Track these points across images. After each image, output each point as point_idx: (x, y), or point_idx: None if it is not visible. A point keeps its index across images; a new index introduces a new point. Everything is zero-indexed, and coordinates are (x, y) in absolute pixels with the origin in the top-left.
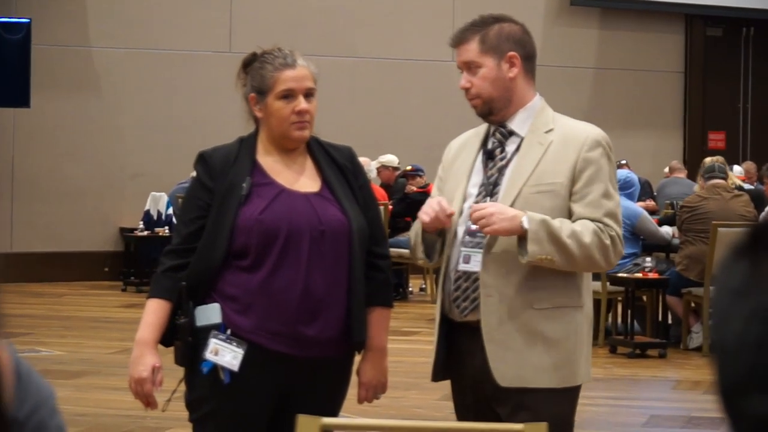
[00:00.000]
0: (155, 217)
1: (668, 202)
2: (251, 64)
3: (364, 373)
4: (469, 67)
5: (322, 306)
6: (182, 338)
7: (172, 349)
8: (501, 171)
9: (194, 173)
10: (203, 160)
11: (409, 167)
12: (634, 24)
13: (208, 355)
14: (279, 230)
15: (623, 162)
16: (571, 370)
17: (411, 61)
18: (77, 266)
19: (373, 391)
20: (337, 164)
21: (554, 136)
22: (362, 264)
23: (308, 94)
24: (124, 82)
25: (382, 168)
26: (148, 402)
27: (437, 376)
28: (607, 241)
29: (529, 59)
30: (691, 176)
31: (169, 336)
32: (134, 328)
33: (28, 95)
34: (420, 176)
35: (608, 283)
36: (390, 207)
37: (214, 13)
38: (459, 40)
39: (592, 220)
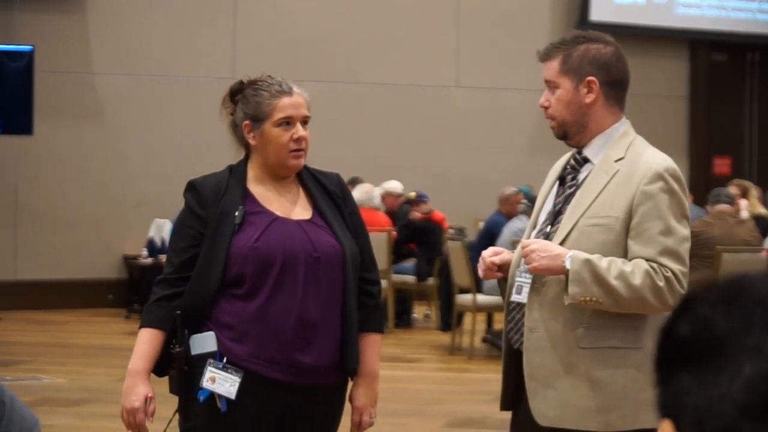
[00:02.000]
0: (159, 245)
1: None
2: (240, 92)
3: (358, 398)
4: (549, 85)
5: (317, 333)
6: (178, 367)
7: (165, 378)
8: (567, 200)
9: (185, 201)
10: (193, 189)
11: (413, 194)
12: (639, 49)
13: (206, 383)
14: (275, 258)
15: None
16: (620, 413)
17: (415, 87)
18: (81, 294)
19: (367, 415)
20: (327, 191)
21: (622, 165)
22: (355, 290)
23: (304, 122)
24: (127, 109)
25: (386, 195)
26: None
27: (506, 405)
28: (661, 283)
29: (612, 85)
30: (697, 202)
31: (162, 365)
32: None
33: (31, 123)
34: (424, 202)
35: None
36: (394, 234)
37: (217, 39)
38: (544, 57)
39: (647, 260)
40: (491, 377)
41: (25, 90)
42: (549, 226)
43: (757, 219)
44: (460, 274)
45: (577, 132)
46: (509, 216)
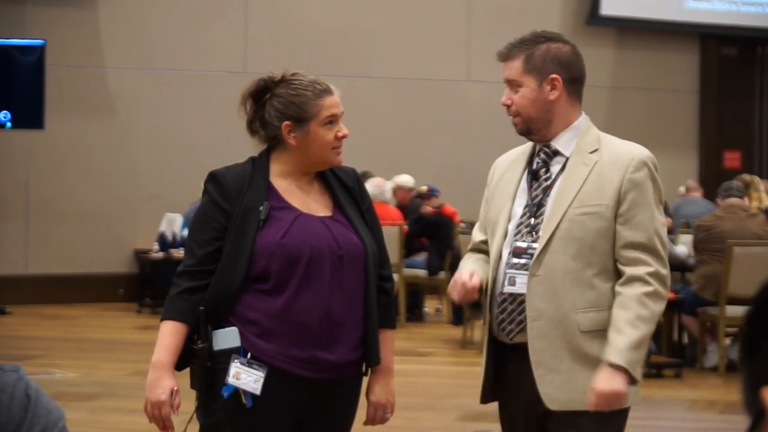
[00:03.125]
0: (170, 239)
1: (684, 221)
2: (267, 91)
3: (374, 393)
4: (512, 84)
5: (341, 330)
6: (201, 363)
7: (185, 371)
8: (546, 191)
9: (205, 192)
10: (217, 181)
11: (424, 188)
12: (649, 44)
13: (231, 379)
14: (301, 254)
15: None
16: None
17: (426, 81)
18: (92, 288)
19: (382, 410)
20: (346, 187)
21: (599, 156)
22: (375, 287)
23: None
24: (138, 103)
25: (398, 188)
26: (165, 426)
27: (486, 397)
28: (651, 288)
29: (573, 81)
30: (708, 195)
31: (181, 359)
32: (149, 350)
33: (42, 117)
34: (435, 196)
35: None
36: (405, 228)
37: (229, 33)
38: (505, 56)
39: (633, 279)
40: None
41: (37, 84)
42: (532, 218)
43: (766, 213)
44: None
45: (542, 127)
46: None
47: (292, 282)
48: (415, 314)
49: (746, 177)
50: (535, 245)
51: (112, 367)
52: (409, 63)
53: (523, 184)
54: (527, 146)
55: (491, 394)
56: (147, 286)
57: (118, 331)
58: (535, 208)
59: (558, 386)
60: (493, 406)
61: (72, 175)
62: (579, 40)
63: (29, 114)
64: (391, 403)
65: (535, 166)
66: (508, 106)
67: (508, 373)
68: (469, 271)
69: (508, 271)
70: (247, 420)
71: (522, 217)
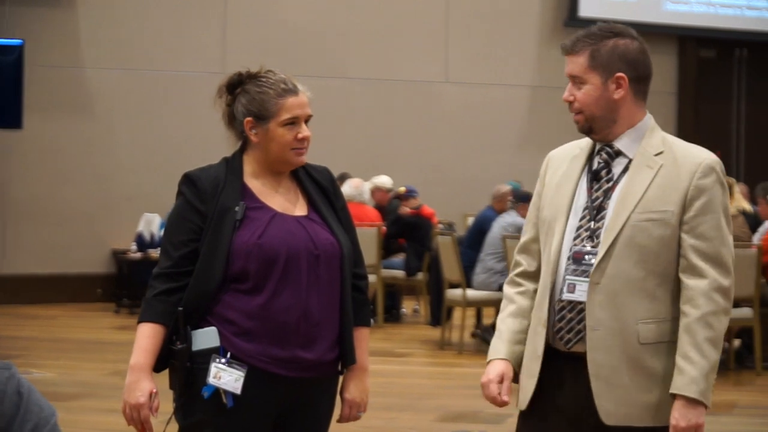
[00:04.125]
0: (148, 239)
1: None
2: (240, 84)
3: (349, 391)
4: (575, 80)
5: (318, 330)
6: (180, 364)
7: (163, 372)
8: (607, 194)
9: (180, 194)
10: (191, 183)
11: (402, 189)
12: None
13: (211, 379)
14: (278, 254)
15: None
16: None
17: (404, 82)
18: (70, 288)
19: (356, 408)
20: (320, 186)
21: (664, 159)
22: (350, 286)
23: (307, 120)
24: (117, 104)
25: (376, 189)
26: (144, 428)
27: (532, 405)
28: (714, 307)
29: (640, 81)
30: None
31: (161, 361)
32: (128, 350)
33: (20, 117)
34: (414, 197)
35: None
36: (384, 229)
37: (208, 34)
38: (569, 50)
39: (696, 295)
40: (481, 372)
41: (15, 84)
42: (591, 222)
43: (745, 215)
44: (449, 269)
45: (604, 127)
46: (500, 212)
47: (270, 282)
48: (393, 315)
49: (731, 180)
50: (595, 251)
51: (91, 368)
52: (388, 64)
53: (583, 184)
54: (585, 142)
55: (536, 402)
56: (125, 286)
57: (97, 331)
58: (596, 211)
59: (616, 401)
60: (472, 407)
61: (50, 175)
62: (557, 41)
63: (7, 114)
64: (365, 401)
65: (596, 165)
66: (570, 103)
67: (558, 381)
68: (499, 374)
69: (567, 277)
70: (228, 420)
71: (582, 220)
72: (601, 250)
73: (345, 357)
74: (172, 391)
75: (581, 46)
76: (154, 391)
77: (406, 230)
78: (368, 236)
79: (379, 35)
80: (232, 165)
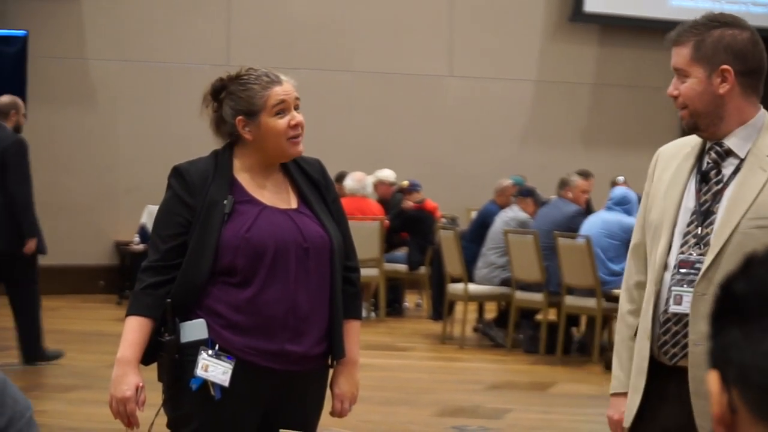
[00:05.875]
0: (150, 231)
1: None
2: (223, 89)
3: (339, 385)
4: (679, 73)
5: (307, 323)
6: (169, 356)
7: (152, 364)
8: (716, 197)
9: (169, 187)
10: (180, 175)
11: (405, 182)
12: (633, 41)
13: (199, 371)
14: (266, 248)
15: (621, 179)
16: None
17: (408, 76)
18: (72, 279)
19: (347, 402)
20: (310, 179)
21: None
22: (340, 280)
23: (297, 107)
24: (120, 95)
25: (379, 183)
26: (130, 422)
27: (636, 423)
28: None
29: (749, 74)
30: None
31: (147, 354)
32: None
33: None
34: (417, 191)
35: (604, 300)
36: (386, 222)
37: (212, 26)
38: (674, 41)
39: None
40: (482, 366)
41: (19, 75)
42: (699, 228)
43: None
44: (452, 264)
45: (710, 124)
46: (503, 206)
47: (258, 275)
48: (395, 309)
49: None
50: (702, 259)
51: (92, 359)
52: (392, 58)
53: (691, 185)
54: (696, 139)
55: (639, 420)
56: (127, 277)
57: (98, 323)
58: (704, 216)
59: None
60: (472, 402)
61: (53, 166)
62: (562, 36)
63: None
64: (355, 395)
65: (705, 166)
66: (675, 97)
67: (662, 398)
68: (621, 411)
69: (673, 287)
70: (216, 411)
71: (689, 225)
72: (708, 259)
73: (334, 351)
74: (161, 383)
75: (686, 37)
76: (141, 385)
77: (409, 224)
78: (371, 230)
79: (383, 29)
80: (222, 159)
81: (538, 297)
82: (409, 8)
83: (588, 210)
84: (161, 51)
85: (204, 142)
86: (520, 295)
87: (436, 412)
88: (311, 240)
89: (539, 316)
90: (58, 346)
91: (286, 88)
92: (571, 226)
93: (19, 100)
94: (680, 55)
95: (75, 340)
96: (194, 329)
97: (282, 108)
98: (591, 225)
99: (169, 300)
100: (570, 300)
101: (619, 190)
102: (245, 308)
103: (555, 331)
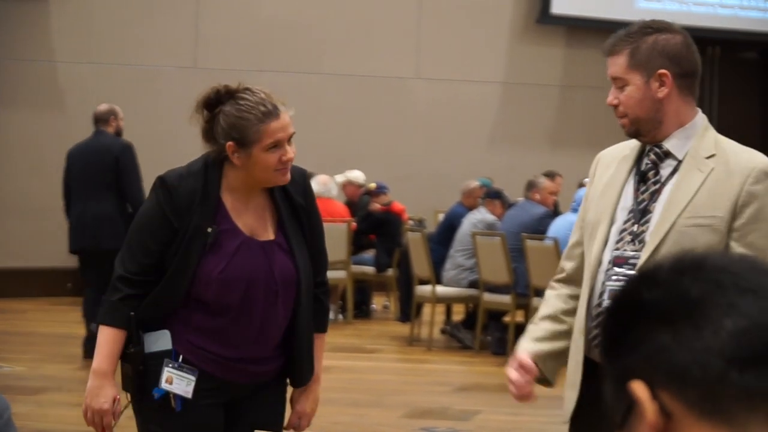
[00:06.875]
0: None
1: None
2: (218, 103)
3: (299, 401)
4: (617, 82)
5: (273, 350)
6: (134, 367)
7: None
8: (653, 196)
9: (155, 199)
10: (168, 192)
11: (372, 185)
12: (600, 42)
13: (163, 384)
14: (238, 288)
15: (587, 180)
16: None
17: (376, 78)
18: (40, 282)
19: (304, 419)
20: (292, 203)
21: (716, 162)
22: (310, 310)
23: (290, 140)
24: (88, 98)
25: (348, 183)
26: None
27: (574, 420)
28: None
29: (685, 76)
30: None
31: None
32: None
33: None
34: (384, 194)
35: None
36: (354, 225)
37: (180, 29)
38: (609, 51)
39: None
40: (450, 368)
41: None
42: (635, 225)
43: None
44: (419, 265)
45: (652, 128)
46: (470, 208)
47: (228, 309)
48: (363, 311)
49: None
50: (638, 255)
51: (60, 362)
52: (360, 59)
53: (630, 185)
54: (636, 142)
55: (578, 415)
56: None
57: (66, 326)
58: (640, 214)
59: None
60: (440, 404)
61: (20, 169)
62: (529, 38)
63: None
64: (314, 412)
65: (643, 167)
66: (615, 107)
67: (599, 392)
68: (517, 360)
69: (607, 283)
70: (179, 421)
71: (625, 222)
72: (644, 255)
73: (302, 377)
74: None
75: (621, 46)
76: (118, 397)
77: (377, 226)
78: (338, 232)
79: (351, 31)
80: (212, 176)
81: (506, 299)
82: (378, 11)
83: (556, 212)
84: (129, 53)
85: (172, 145)
86: (488, 297)
87: (405, 414)
88: (281, 277)
89: (507, 318)
90: (26, 349)
91: (282, 123)
92: (538, 227)
93: (116, 107)
94: (616, 64)
95: (43, 343)
96: (159, 339)
97: (276, 144)
98: (559, 227)
99: (133, 313)
100: (538, 302)
101: (584, 191)
102: (211, 334)
103: (523, 333)
